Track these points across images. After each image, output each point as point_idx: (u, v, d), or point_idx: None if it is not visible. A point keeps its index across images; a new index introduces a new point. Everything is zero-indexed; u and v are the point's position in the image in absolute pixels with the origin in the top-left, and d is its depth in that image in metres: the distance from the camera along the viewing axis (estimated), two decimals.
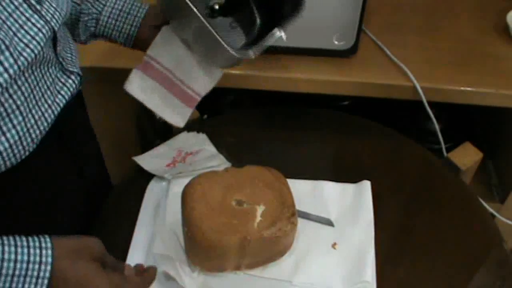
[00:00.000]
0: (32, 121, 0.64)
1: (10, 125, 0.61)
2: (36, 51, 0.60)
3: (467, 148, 1.02)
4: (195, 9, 0.70)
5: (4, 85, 0.57)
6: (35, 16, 0.61)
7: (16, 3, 0.59)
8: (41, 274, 0.59)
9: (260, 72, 1.06)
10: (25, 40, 0.59)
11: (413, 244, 0.84)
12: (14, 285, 0.58)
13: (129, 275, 0.69)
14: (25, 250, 0.59)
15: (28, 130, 0.63)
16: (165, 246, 0.80)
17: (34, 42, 0.60)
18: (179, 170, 0.91)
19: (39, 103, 0.65)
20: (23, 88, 0.61)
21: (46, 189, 0.76)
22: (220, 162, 0.93)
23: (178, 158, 0.95)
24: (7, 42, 0.56)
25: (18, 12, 0.59)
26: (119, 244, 0.82)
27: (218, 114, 1.13)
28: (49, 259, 0.60)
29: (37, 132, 0.65)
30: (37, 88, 0.65)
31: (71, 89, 0.73)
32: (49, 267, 0.59)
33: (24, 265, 0.58)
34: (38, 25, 0.61)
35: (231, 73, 1.04)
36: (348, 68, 1.07)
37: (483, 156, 1.01)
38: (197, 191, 0.76)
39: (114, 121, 1.23)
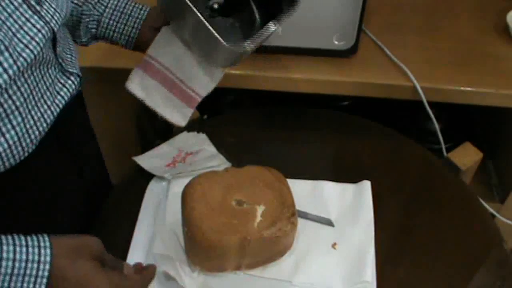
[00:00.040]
0: (32, 122, 0.64)
1: (9, 126, 0.61)
2: (35, 52, 0.60)
3: (467, 148, 1.02)
4: (189, 3, 0.70)
5: (4, 86, 0.57)
6: (35, 16, 0.61)
7: (15, 4, 0.59)
8: (40, 273, 0.59)
9: (260, 72, 1.06)
10: (24, 41, 0.59)
11: (413, 244, 0.84)
12: (12, 284, 0.58)
13: (129, 274, 0.69)
14: (24, 249, 0.59)
15: (27, 131, 0.63)
16: (165, 246, 0.80)
17: (34, 42, 0.60)
18: (179, 170, 0.91)
19: (39, 104, 0.65)
20: (22, 89, 0.61)
21: (46, 189, 0.76)
22: (220, 162, 0.93)
23: (178, 158, 0.95)
24: (6, 43, 0.56)
25: (17, 13, 0.59)
26: (119, 244, 0.82)
27: (218, 114, 1.13)
28: (48, 258, 0.60)
29: (36, 133, 0.65)
30: (37, 89, 0.65)
31: (71, 90, 0.73)
32: (47, 266, 0.59)
33: (23, 264, 0.58)
34: (38, 26, 0.61)
35: (231, 73, 1.04)
36: (348, 68, 1.07)
37: (483, 156, 1.01)
38: (197, 191, 0.76)
39: (114, 121, 1.23)
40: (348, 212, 0.87)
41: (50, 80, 0.68)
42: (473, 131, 1.44)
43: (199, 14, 0.71)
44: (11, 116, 0.61)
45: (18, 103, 0.61)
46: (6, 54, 0.56)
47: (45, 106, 0.67)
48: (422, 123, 1.20)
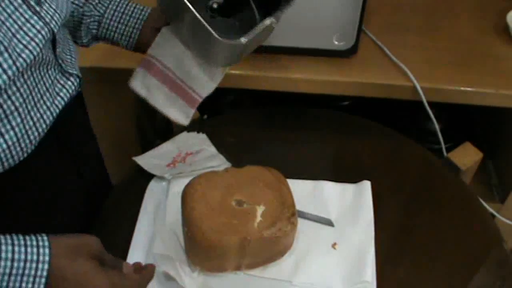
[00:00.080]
0: (31, 122, 0.64)
1: (8, 126, 0.61)
2: (35, 53, 0.60)
3: (467, 148, 1.02)
4: (186, 1, 0.71)
5: (3, 86, 0.57)
6: (35, 17, 0.61)
7: (15, 4, 0.59)
8: (39, 273, 0.59)
9: (260, 72, 1.06)
10: (24, 41, 0.59)
11: (413, 244, 0.84)
12: (11, 284, 0.58)
13: (128, 273, 0.69)
14: (22, 249, 0.59)
15: (26, 131, 0.63)
16: (165, 246, 0.80)
17: (33, 43, 0.60)
18: (179, 170, 0.91)
19: (38, 105, 0.65)
20: (21, 90, 0.61)
21: (46, 189, 0.76)
22: (220, 162, 0.93)
23: (178, 158, 0.95)
24: (5, 43, 0.56)
25: (17, 13, 0.59)
26: (119, 244, 0.82)
27: (218, 114, 1.13)
28: (47, 258, 0.60)
29: (36, 133, 0.65)
30: (36, 90, 0.65)
31: (70, 91, 0.73)
32: (46, 266, 0.59)
33: (22, 264, 0.58)
34: (37, 27, 0.61)
35: (231, 73, 1.04)
36: (348, 68, 1.07)
37: (483, 156, 1.01)
38: (197, 191, 0.76)
39: (114, 121, 1.23)
40: (348, 212, 0.87)
41: (50, 81, 0.68)
42: (473, 131, 1.44)
43: (194, 10, 0.71)
44: (10, 117, 0.61)
45: (17, 104, 0.61)
46: (6, 54, 0.56)
47: (45, 107, 0.67)
48: (422, 123, 1.20)
